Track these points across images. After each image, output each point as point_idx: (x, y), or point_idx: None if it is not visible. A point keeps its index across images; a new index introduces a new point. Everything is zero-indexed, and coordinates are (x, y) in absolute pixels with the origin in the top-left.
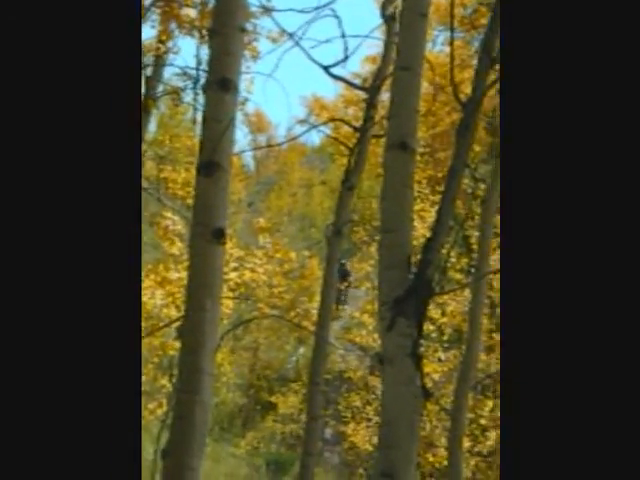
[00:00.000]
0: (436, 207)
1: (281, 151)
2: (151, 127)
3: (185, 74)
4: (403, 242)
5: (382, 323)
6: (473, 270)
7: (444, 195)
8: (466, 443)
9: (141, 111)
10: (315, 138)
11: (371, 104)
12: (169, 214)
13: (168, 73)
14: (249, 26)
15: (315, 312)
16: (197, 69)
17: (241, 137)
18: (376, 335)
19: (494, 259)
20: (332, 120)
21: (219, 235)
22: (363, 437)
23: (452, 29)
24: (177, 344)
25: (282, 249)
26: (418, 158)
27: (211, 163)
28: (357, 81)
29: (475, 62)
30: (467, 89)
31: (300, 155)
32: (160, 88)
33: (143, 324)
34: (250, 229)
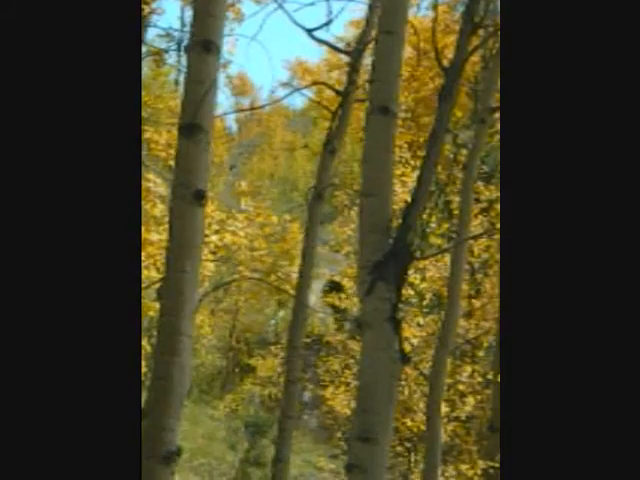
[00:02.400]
0: (417, 172)
1: (264, 114)
2: None
3: (168, 35)
4: (383, 206)
5: (361, 287)
6: (454, 236)
7: (425, 160)
8: (444, 408)
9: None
10: (298, 102)
11: (354, 68)
12: (151, 176)
13: (151, 34)
14: None
15: (295, 275)
16: (181, 30)
17: (224, 100)
18: (356, 299)
19: (474, 225)
20: (315, 84)
21: (199, 197)
22: (341, 401)
23: None
24: (157, 305)
25: (263, 212)
26: (400, 123)
27: (192, 125)
28: (340, 45)
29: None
30: (450, 54)
31: (283, 118)
32: (143, 49)
33: None
34: (232, 192)
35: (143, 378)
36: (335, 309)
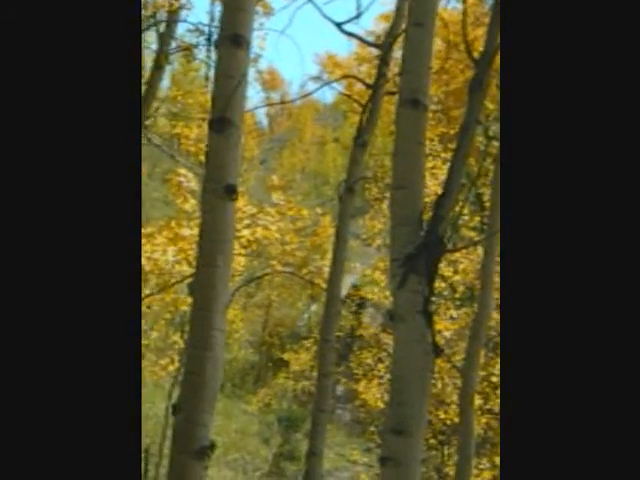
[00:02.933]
0: (448, 165)
1: (294, 109)
2: (164, 84)
3: (198, 30)
4: (415, 199)
5: (393, 280)
6: (485, 228)
7: (456, 152)
8: (477, 401)
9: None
10: (328, 96)
11: (384, 61)
12: (182, 171)
13: (181, 30)
14: None
15: (327, 269)
16: (210, 26)
17: (254, 94)
18: (388, 292)
19: None
20: (345, 77)
21: (231, 191)
22: (374, 394)
23: None
24: (189, 300)
25: (294, 206)
26: (431, 115)
27: (223, 119)
28: (370, 38)
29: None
30: (480, 46)
31: (313, 112)
32: (173, 45)
33: (155, 280)
34: (263, 186)
35: (176, 373)
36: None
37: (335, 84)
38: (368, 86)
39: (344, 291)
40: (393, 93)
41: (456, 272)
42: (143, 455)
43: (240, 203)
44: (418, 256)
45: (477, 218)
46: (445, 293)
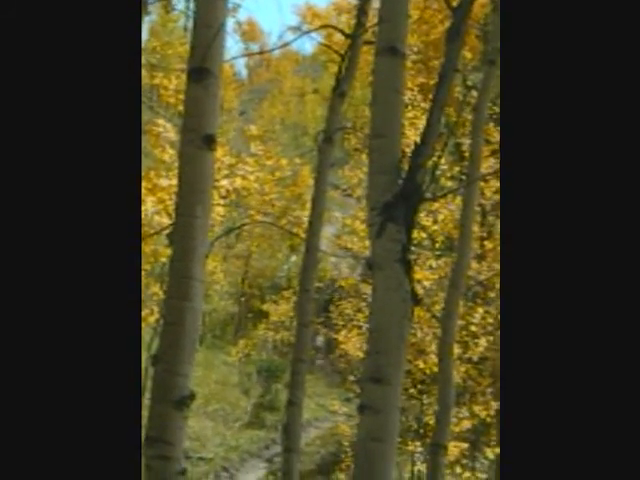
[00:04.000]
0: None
1: (273, 60)
2: (143, 35)
3: None
4: (393, 147)
5: (371, 229)
6: (464, 177)
7: (434, 100)
8: (456, 350)
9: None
10: (307, 47)
11: (362, 10)
12: (161, 121)
13: None
14: None
15: (307, 220)
16: None
17: (233, 45)
18: (367, 242)
19: (485, 167)
20: (324, 27)
21: (209, 141)
22: (354, 344)
23: None
24: (168, 251)
25: (273, 156)
26: (410, 65)
27: (201, 69)
28: None
29: None
30: None
31: (293, 63)
32: None
33: None
34: (242, 137)
35: (156, 325)
36: (348, 252)
37: (314, 34)
38: (347, 36)
39: (324, 242)
40: (372, 43)
41: (435, 222)
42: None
43: (219, 154)
44: (396, 204)
45: (456, 168)
46: (425, 243)
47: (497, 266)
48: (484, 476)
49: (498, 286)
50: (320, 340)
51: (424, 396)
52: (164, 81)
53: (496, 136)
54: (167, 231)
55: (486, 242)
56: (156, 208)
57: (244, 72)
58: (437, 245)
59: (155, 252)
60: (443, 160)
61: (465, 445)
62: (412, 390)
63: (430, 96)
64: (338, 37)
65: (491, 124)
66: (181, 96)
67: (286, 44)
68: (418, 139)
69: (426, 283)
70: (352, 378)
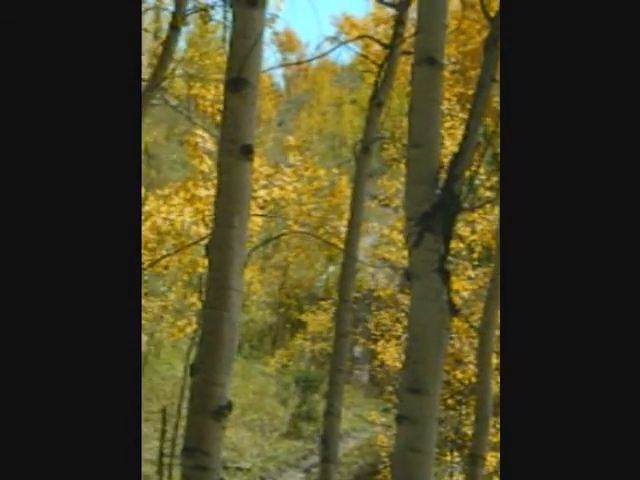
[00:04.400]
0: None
1: (311, 70)
2: (181, 45)
3: None
4: (431, 157)
5: (409, 239)
6: None
7: (471, 110)
8: (494, 360)
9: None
10: (345, 57)
11: (400, 21)
12: (199, 131)
13: None
14: None
15: (344, 230)
16: None
17: (270, 55)
18: (406, 252)
19: None
20: (361, 37)
21: (247, 151)
22: (392, 355)
23: None
24: (206, 261)
25: (311, 167)
26: (448, 75)
27: (239, 79)
28: None
29: None
30: (496, 5)
31: (330, 74)
32: (190, 5)
33: (173, 242)
34: (280, 148)
35: (194, 335)
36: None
37: (352, 45)
38: (384, 46)
39: (361, 252)
40: (409, 53)
41: (473, 232)
42: (161, 416)
43: (257, 164)
44: (434, 214)
45: (494, 178)
46: (463, 253)
47: None
48: None
49: None
50: (358, 351)
51: (462, 407)
52: (202, 91)
53: None
54: (205, 241)
55: None
56: (194, 218)
57: (282, 83)
58: (475, 255)
59: (193, 262)
60: (481, 170)
61: None
62: (450, 401)
63: (468, 106)
64: (376, 47)
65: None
66: (219, 106)
67: (323, 54)
68: (456, 149)
69: (464, 293)
70: (390, 388)
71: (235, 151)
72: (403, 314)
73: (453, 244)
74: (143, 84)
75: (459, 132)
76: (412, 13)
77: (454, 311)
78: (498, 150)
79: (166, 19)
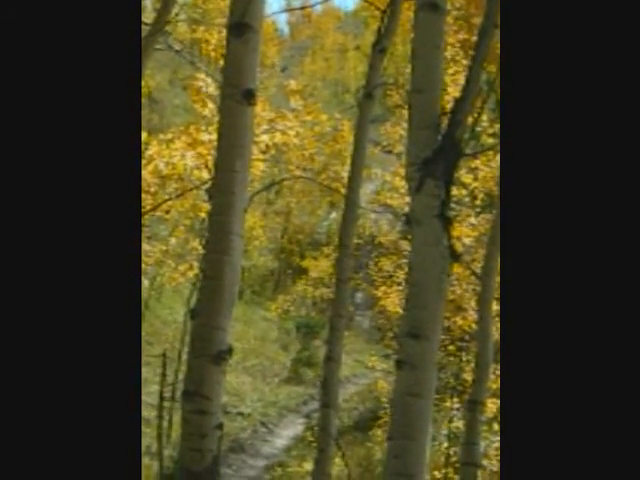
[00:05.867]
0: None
1: (315, 16)
2: None
3: None
4: (433, 102)
5: (411, 184)
6: None
7: (474, 56)
8: (495, 306)
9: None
10: (349, 3)
11: None
12: (201, 76)
13: None
14: None
15: (347, 176)
16: None
17: (274, 1)
18: (408, 199)
19: None
20: None
21: (249, 96)
22: (394, 301)
23: None
24: (208, 206)
25: (314, 112)
26: (451, 22)
27: (241, 24)
28: None
29: None
30: None
31: (334, 20)
32: None
33: (175, 185)
34: (283, 94)
35: (195, 279)
36: (388, 209)
37: None
38: None
39: (364, 199)
40: None
41: (476, 179)
42: (161, 360)
43: (259, 108)
44: (435, 160)
45: (497, 125)
46: (465, 200)
47: None
48: None
49: None
50: (359, 297)
51: (463, 353)
52: (205, 35)
53: None
54: (207, 186)
55: None
56: (196, 163)
57: (286, 29)
58: (477, 202)
59: (194, 207)
60: (484, 117)
61: None
62: (451, 347)
63: (471, 52)
64: None
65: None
66: (223, 51)
67: (327, 0)
68: (458, 95)
69: (466, 240)
70: (391, 335)
71: (237, 95)
72: (404, 260)
73: (455, 191)
74: (146, 28)
75: (462, 79)
76: None
77: (455, 257)
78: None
79: None
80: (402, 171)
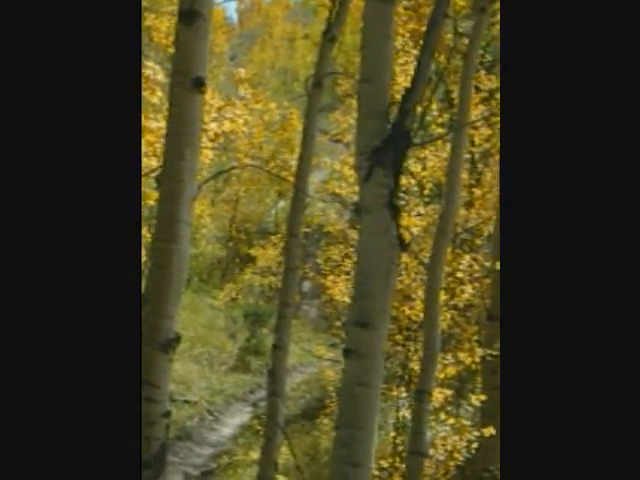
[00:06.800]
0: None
1: (264, 4)
2: None
3: None
4: (382, 92)
5: (359, 173)
6: (454, 124)
7: (424, 46)
8: (443, 296)
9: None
10: None
11: None
12: (149, 63)
13: None
14: None
15: (295, 164)
16: None
17: None
18: (356, 188)
19: (475, 114)
20: None
21: (199, 84)
22: (341, 290)
23: None
24: (156, 194)
25: (262, 100)
26: (402, 11)
27: (191, 12)
28: None
29: None
30: None
31: (283, 8)
32: None
33: None
34: (232, 82)
35: (143, 267)
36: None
37: None
38: None
39: (312, 187)
40: None
41: (424, 169)
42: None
43: (208, 97)
44: (384, 149)
45: (446, 115)
46: (414, 190)
47: (485, 213)
48: (468, 423)
49: (485, 234)
50: (307, 286)
51: (410, 342)
52: (155, 22)
53: (486, 84)
54: (155, 173)
55: (474, 189)
56: (144, 150)
57: (235, 17)
58: (426, 192)
59: (143, 194)
60: (433, 107)
61: (450, 392)
62: (398, 336)
63: (421, 42)
64: None
65: (481, 71)
66: (173, 39)
67: None
68: (408, 85)
69: (414, 230)
70: (338, 324)
71: (187, 84)
72: (352, 249)
73: (404, 180)
74: None
75: (412, 69)
76: None
77: (403, 246)
78: (450, 87)
79: None
80: (351, 160)
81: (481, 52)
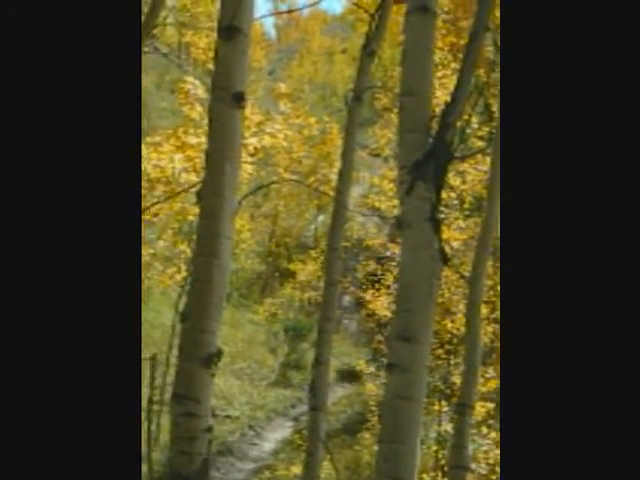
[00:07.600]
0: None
1: (302, 19)
2: None
3: None
4: (423, 105)
5: (401, 187)
6: (493, 137)
7: (464, 59)
8: (484, 310)
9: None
10: (336, 6)
11: None
12: (190, 78)
13: None
14: None
15: (334, 178)
16: None
17: (262, 4)
18: (396, 202)
19: None
20: None
21: (239, 99)
22: (382, 304)
23: None
24: (196, 210)
25: (302, 115)
26: (440, 24)
27: (231, 27)
28: None
29: None
30: None
31: (321, 23)
32: None
33: (163, 189)
34: (271, 97)
35: (184, 282)
36: (376, 212)
37: None
38: None
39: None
40: (402, 1)
41: (464, 182)
42: (150, 363)
43: (247, 111)
44: (426, 163)
45: (486, 128)
46: (454, 203)
47: None
48: None
49: None
50: (347, 300)
51: (451, 356)
52: (194, 39)
53: None
54: (195, 189)
55: None
56: (184, 166)
57: (273, 32)
58: (466, 205)
59: (183, 210)
60: (473, 120)
61: (491, 405)
62: (439, 350)
63: (460, 56)
64: None
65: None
66: (211, 54)
67: (315, 3)
68: (448, 99)
69: (454, 243)
70: (379, 337)
71: (227, 99)
72: (394, 263)
73: (444, 194)
74: None
75: (451, 82)
76: None
77: (445, 260)
78: (490, 101)
79: None
80: (390, 174)
81: None
